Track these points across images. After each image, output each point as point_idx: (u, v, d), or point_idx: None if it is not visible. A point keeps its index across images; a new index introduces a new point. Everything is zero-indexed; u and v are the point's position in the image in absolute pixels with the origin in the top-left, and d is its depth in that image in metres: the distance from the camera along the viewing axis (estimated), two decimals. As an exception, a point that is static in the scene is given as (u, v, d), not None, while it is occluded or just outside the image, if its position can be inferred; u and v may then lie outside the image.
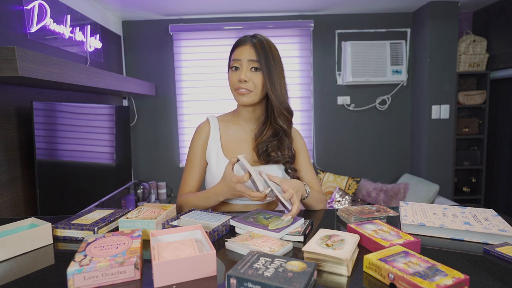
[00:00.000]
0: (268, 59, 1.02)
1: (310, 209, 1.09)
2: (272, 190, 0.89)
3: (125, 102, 3.15)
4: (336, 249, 0.65)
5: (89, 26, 2.44)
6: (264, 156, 1.08)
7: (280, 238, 0.78)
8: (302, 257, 0.68)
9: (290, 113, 1.09)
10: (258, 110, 1.11)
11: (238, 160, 0.94)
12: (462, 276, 0.55)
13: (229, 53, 1.10)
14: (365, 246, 0.74)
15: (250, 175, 0.90)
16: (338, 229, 0.87)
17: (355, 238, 0.71)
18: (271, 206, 1.15)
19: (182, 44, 3.10)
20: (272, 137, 1.09)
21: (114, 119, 2.48)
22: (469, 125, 2.98)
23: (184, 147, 3.22)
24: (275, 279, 0.54)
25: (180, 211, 1.08)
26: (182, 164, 3.23)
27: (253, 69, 1.02)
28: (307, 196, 1.02)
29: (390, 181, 3.21)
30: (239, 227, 0.86)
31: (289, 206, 0.88)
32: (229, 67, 1.07)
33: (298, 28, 3.08)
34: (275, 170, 1.09)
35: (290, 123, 1.11)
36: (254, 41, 1.03)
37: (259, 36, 1.06)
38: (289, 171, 1.10)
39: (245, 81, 1.01)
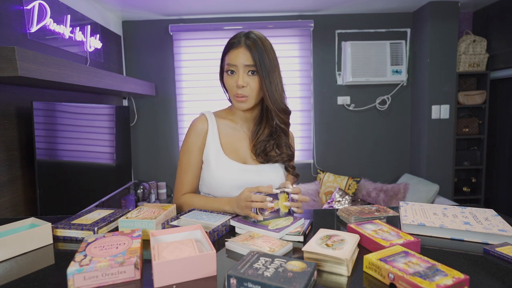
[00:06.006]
0: (263, 61, 0.97)
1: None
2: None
3: (125, 102, 3.14)
4: (336, 249, 0.65)
5: (89, 26, 2.44)
6: (262, 155, 1.07)
7: (280, 238, 0.78)
8: (302, 257, 0.68)
9: (287, 113, 1.06)
10: (255, 111, 1.09)
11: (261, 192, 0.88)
12: (462, 276, 0.55)
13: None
14: (365, 246, 0.74)
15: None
16: (338, 229, 0.87)
17: (355, 238, 0.71)
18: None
19: (182, 44, 3.10)
20: (269, 136, 1.08)
21: (114, 119, 2.48)
22: (469, 125, 2.98)
23: (184, 147, 3.21)
24: (275, 279, 0.54)
25: (179, 212, 1.08)
26: (182, 164, 3.22)
27: (249, 73, 0.98)
28: None
29: (390, 181, 3.20)
30: (239, 227, 0.86)
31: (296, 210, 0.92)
32: (225, 71, 1.03)
33: (298, 28, 3.07)
34: (276, 168, 1.09)
35: (287, 123, 1.08)
36: (248, 43, 0.97)
37: (253, 34, 1.00)
38: (289, 169, 1.11)
39: (242, 86, 0.98)
